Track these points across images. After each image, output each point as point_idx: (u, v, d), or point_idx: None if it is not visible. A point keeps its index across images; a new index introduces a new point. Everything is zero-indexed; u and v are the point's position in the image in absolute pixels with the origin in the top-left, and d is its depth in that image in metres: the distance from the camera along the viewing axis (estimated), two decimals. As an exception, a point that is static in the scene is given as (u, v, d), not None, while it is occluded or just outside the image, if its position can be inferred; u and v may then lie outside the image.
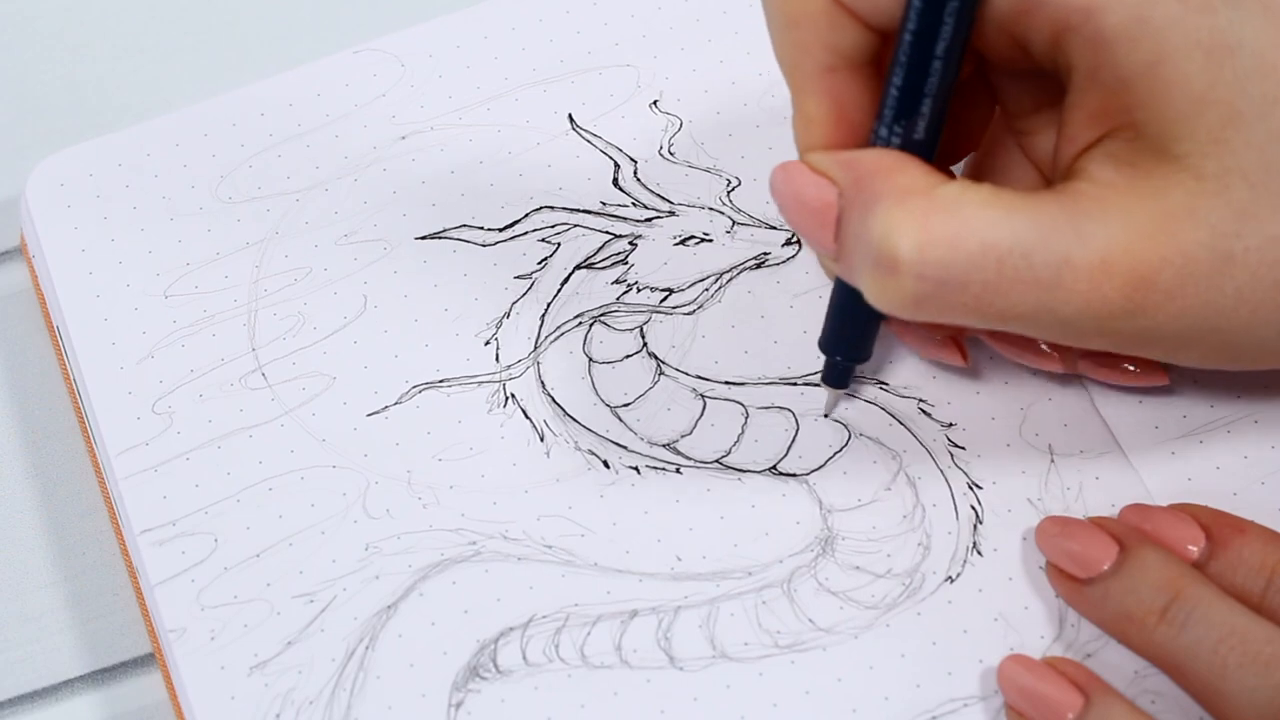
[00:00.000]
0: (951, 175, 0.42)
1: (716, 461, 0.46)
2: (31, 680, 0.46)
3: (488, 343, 0.48)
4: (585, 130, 0.50)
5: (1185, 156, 0.39)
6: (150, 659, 0.46)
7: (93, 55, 0.55)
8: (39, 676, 0.46)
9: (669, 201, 0.49)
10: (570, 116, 0.51)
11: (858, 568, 0.44)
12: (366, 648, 0.43)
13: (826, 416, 0.46)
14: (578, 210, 0.49)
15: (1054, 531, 0.43)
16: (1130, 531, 0.42)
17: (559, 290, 0.48)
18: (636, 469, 0.46)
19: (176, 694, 0.43)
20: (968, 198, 0.39)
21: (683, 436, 0.46)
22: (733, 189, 0.49)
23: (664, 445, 0.46)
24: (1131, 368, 0.45)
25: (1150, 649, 0.41)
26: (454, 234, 0.49)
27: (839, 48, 0.41)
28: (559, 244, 0.49)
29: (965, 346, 0.45)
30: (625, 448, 0.46)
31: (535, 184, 0.50)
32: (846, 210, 0.40)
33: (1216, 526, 0.42)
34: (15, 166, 0.52)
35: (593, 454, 0.46)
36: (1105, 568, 0.42)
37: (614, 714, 0.42)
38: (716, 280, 0.48)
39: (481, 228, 0.49)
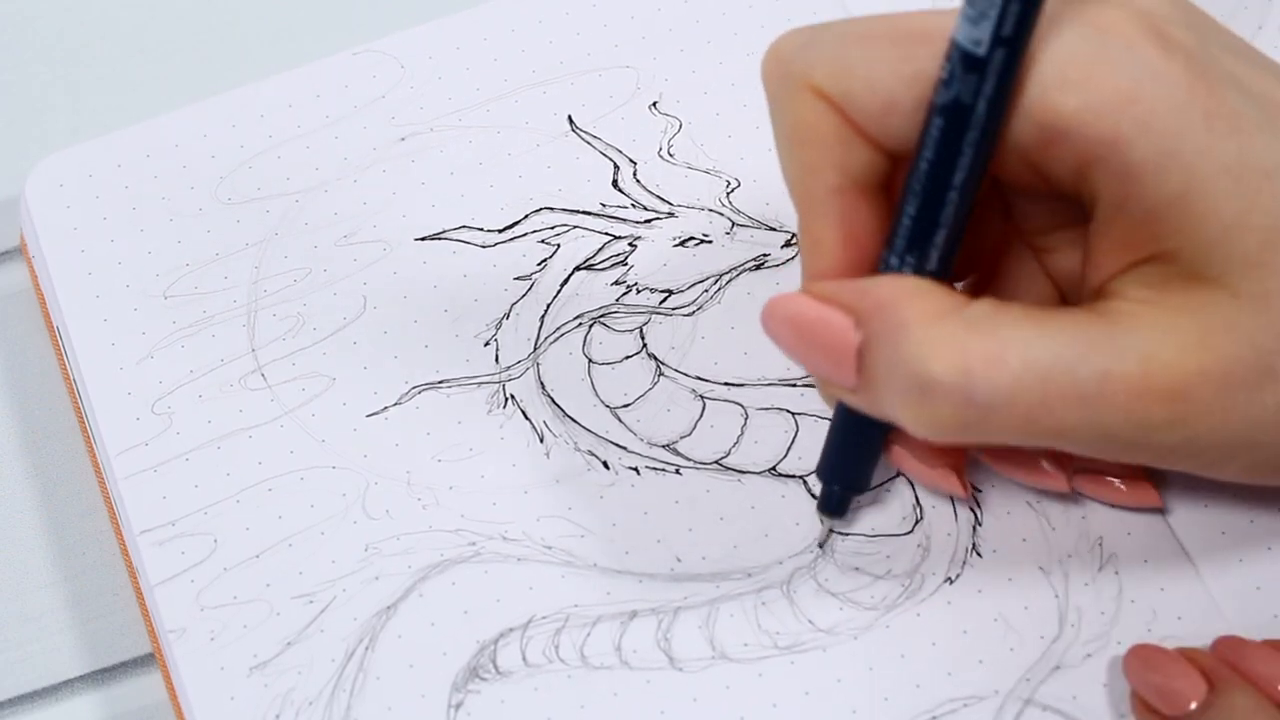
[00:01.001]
0: (970, 295, 0.41)
1: (716, 463, 0.46)
2: (31, 680, 0.46)
3: (487, 344, 0.48)
4: (585, 132, 0.50)
5: (1221, 278, 0.38)
6: (150, 659, 0.46)
7: (93, 55, 0.55)
8: (39, 676, 0.46)
9: (668, 203, 0.49)
10: (570, 118, 0.51)
11: (857, 569, 0.44)
12: (366, 648, 0.43)
13: (821, 547, 0.44)
14: (577, 211, 0.49)
15: (1141, 663, 0.42)
16: (1221, 668, 0.41)
17: (558, 291, 0.48)
18: (636, 470, 0.46)
19: (176, 694, 0.43)
20: (1002, 317, 0.39)
21: (682, 437, 0.46)
22: (732, 190, 0.49)
23: (663, 446, 0.46)
24: (1121, 486, 0.44)
25: None
26: (453, 235, 0.49)
27: (850, 170, 0.40)
28: (558, 245, 0.49)
29: (965, 478, 0.44)
30: (625, 449, 0.46)
31: (535, 185, 0.50)
32: (870, 341, 0.39)
33: None
34: (15, 166, 0.52)
35: (592, 455, 0.46)
36: (1192, 707, 0.41)
37: (614, 715, 0.42)
38: (716, 281, 0.48)
39: (481, 229, 0.49)
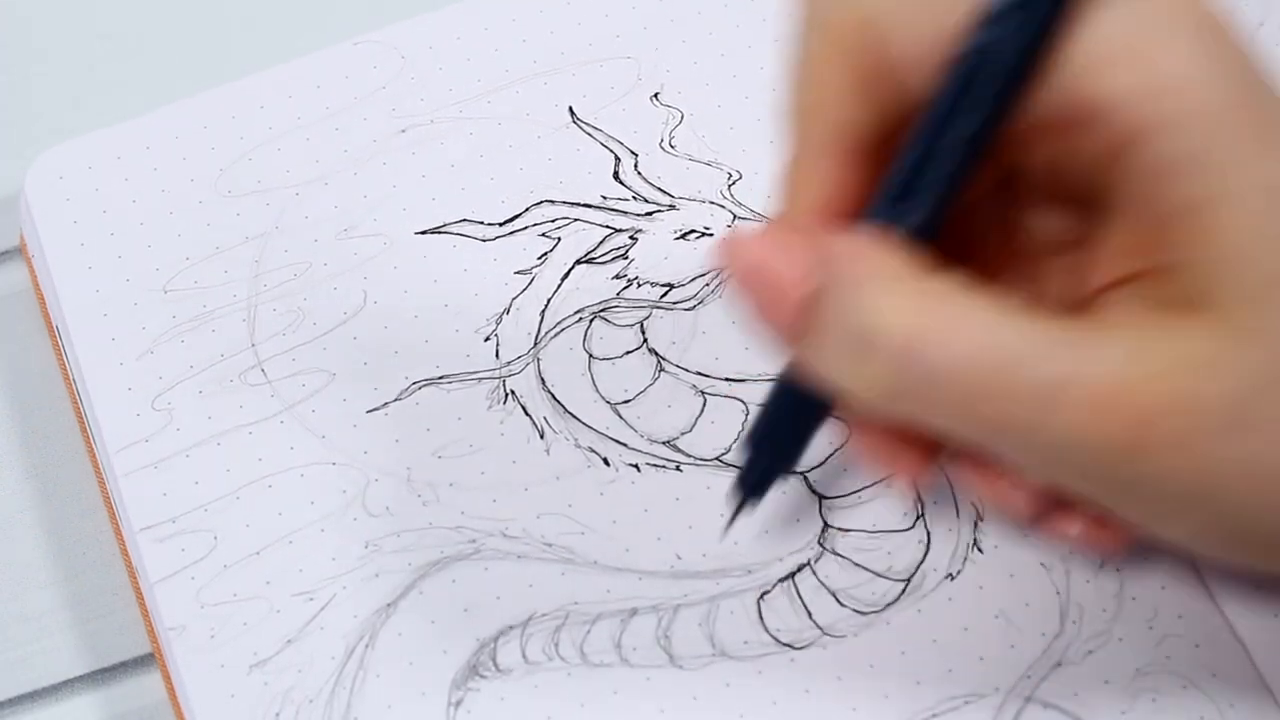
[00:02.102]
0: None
1: (717, 459, 0.46)
2: (31, 680, 0.46)
3: (487, 339, 0.47)
4: (586, 123, 0.50)
5: (1222, 307, 0.35)
6: (150, 659, 0.46)
7: (92, 48, 0.55)
8: (39, 676, 0.46)
9: (670, 195, 0.49)
10: (571, 109, 0.51)
11: (858, 565, 0.44)
12: (366, 646, 0.43)
13: (727, 533, 0.43)
14: (578, 204, 0.49)
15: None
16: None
17: (559, 286, 0.48)
18: (636, 466, 0.46)
19: (176, 692, 0.43)
20: (973, 292, 0.36)
21: (683, 434, 0.46)
22: (734, 183, 0.49)
23: (664, 442, 0.46)
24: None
25: None
26: (454, 229, 0.49)
27: (854, 122, 0.38)
28: (559, 239, 0.49)
29: (925, 478, 0.41)
30: (625, 445, 0.46)
31: (536, 178, 0.50)
32: (823, 290, 0.37)
33: None
34: (14, 162, 0.52)
35: (593, 451, 0.46)
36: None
37: (613, 712, 0.42)
38: (717, 275, 0.48)
39: (481, 222, 0.49)
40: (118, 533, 0.46)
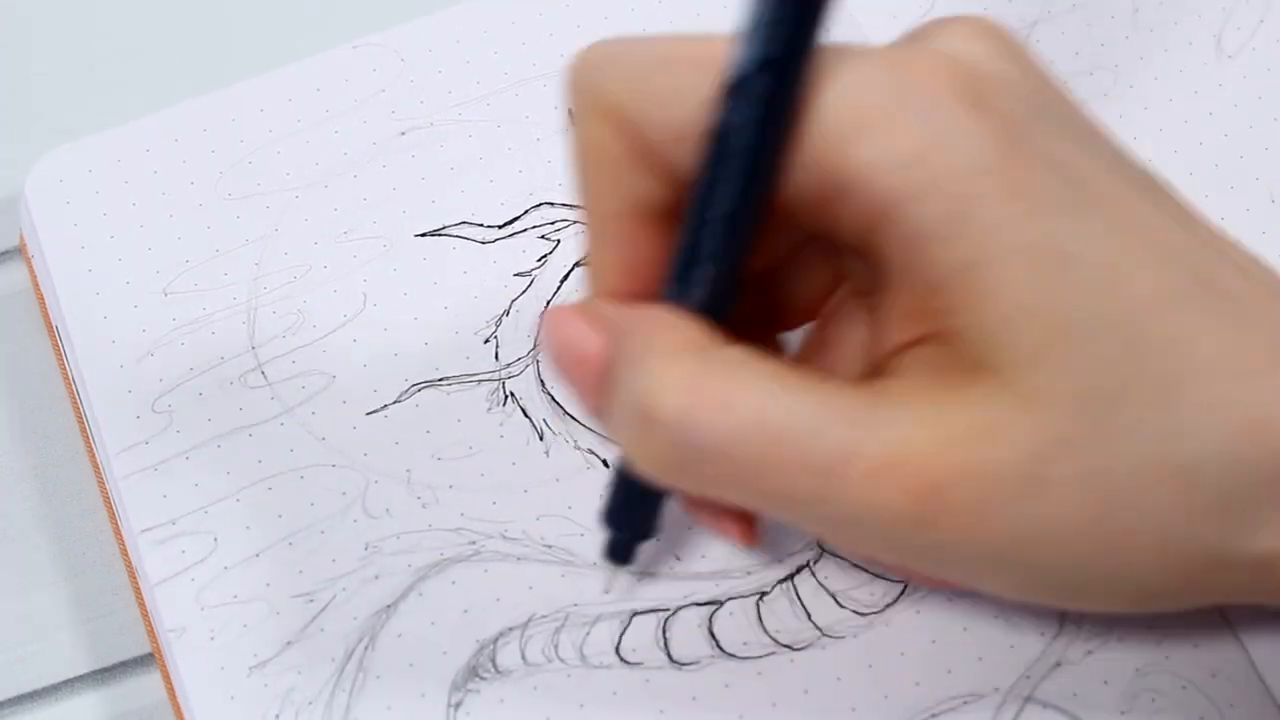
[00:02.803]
0: (746, 342, 0.37)
1: (716, 460, 0.46)
2: (31, 680, 0.46)
3: (487, 341, 0.48)
4: (585, 126, 0.50)
5: (1002, 370, 0.35)
6: (150, 659, 0.46)
7: (92, 51, 0.55)
8: (39, 676, 0.46)
9: (669, 197, 0.49)
10: (570, 111, 0.50)
11: (857, 566, 0.44)
12: (366, 647, 0.43)
13: (608, 592, 0.43)
14: (577, 207, 0.49)
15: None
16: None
17: (559, 288, 0.48)
18: (636, 468, 0.46)
19: (176, 694, 0.43)
20: (751, 365, 0.36)
21: (682, 435, 0.46)
22: (733, 185, 0.49)
23: (663, 444, 0.46)
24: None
25: None
26: (454, 231, 0.49)
27: (636, 197, 0.37)
28: (559, 241, 0.49)
29: (758, 526, 0.42)
30: (625, 447, 0.46)
31: (535, 180, 0.50)
32: (614, 365, 0.37)
33: None
34: (15, 163, 0.52)
35: (592, 453, 0.46)
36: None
37: (613, 714, 0.42)
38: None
39: (481, 225, 0.49)
40: (118, 533, 0.46)
